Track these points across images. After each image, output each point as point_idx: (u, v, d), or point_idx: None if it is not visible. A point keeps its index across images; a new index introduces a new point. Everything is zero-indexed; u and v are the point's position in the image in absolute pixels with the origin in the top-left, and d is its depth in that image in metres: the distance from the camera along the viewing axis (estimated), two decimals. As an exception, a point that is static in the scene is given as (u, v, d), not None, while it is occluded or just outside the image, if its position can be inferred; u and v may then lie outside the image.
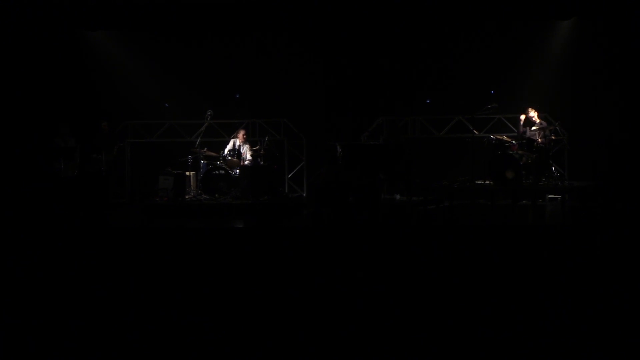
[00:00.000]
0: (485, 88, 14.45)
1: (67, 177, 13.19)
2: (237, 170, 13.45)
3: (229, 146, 13.89)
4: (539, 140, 13.11)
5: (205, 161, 13.74)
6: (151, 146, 15.04)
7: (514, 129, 14.32)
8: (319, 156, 14.53)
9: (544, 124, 13.38)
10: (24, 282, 7.06)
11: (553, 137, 13.37)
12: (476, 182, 13.58)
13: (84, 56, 15.30)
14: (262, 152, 13.58)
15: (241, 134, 14.04)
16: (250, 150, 13.89)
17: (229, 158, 13.57)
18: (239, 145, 13.86)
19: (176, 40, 15.37)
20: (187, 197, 13.30)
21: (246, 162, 13.74)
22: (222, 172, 13.31)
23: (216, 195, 13.13)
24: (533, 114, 13.43)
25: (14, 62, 14.43)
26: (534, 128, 13.35)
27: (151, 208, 12.67)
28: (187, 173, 13.64)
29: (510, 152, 13.07)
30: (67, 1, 13.80)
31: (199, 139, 13.65)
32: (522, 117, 13.57)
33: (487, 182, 13.39)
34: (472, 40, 15.12)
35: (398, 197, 13.25)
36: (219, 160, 13.57)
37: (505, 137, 13.45)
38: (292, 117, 14.89)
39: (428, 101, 14.88)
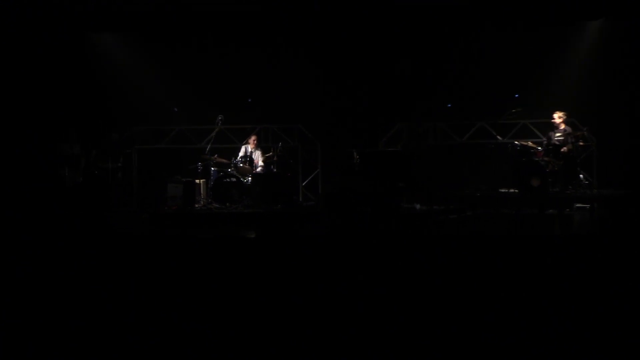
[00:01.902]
0: (509, 92, 14.36)
1: (71, 185, 13.32)
2: (249, 178, 13.36)
3: (241, 153, 13.85)
4: (565, 148, 13.04)
5: (215, 168, 13.64)
6: (160, 153, 15.05)
7: (540, 134, 14.29)
8: (334, 163, 14.47)
9: (569, 129, 13.34)
10: (24, 283, 7.09)
11: (581, 143, 13.31)
12: (500, 190, 13.62)
13: (92, 60, 15.45)
14: (275, 158, 13.52)
15: (253, 140, 14.00)
16: (263, 156, 13.85)
17: (241, 165, 13.48)
18: (251, 152, 13.83)
19: (186, 43, 15.47)
20: (197, 205, 13.30)
21: (258, 170, 13.71)
22: (234, 179, 13.23)
23: (227, 203, 13.05)
24: (558, 119, 13.36)
25: (20, 64, 14.53)
26: (557, 134, 13.34)
27: (160, 217, 12.62)
28: (197, 181, 13.64)
29: (536, 159, 12.98)
30: (77, 3, 13.98)
31: (209, 145, 13.61)
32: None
33: (512, 190, 13.34)
34: (496, 42, 14.98)
35: (418, 206, 13.06)
36: (230, 168, 13.48)
37: (530, 143, 13.39)
38: (307, 123, 14.91)
39: (449, 105, 14.81)
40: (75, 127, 13.94)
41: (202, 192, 13.70)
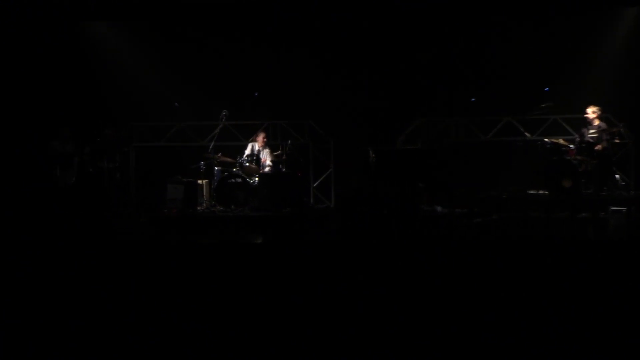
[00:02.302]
0: (538, 85, 13.87)
1: (63, 186, 13.15)
2: (256, 178, 13.23)
3: (247, 151, 13.70)
4: (599, 146, 12.86)
5: (219, 168, 13.56)
6: (159, 151, 14.81)
7: (572, 131, 14.02)
8: (348, 162, 14.23)
9: (603, 125, 13.11)
10: (23, 284, 7.35)
11: (617, 141, 13.23)
12: (529, 192, 13.44)
13: (86, 51, 15.29)
14: (284, 157, 13.40)
15: (261, 137, 13.85)
16: (271, 155, 13.72)
17: (247, 164, 13.33)
18: (258, 150, 13.68)
19: (187, 34, 15.24)
20: (199, 208, 13.15)
21: (266, 169, 13.57)
22: (239, 180, 13.13)
23: (232, 206, 12.96)
24: (591, 114, 13.15)
25: (13, 57, 14.54)
26: (591, 131, 13.12)
27: (159, 220, 12.55)
28: (200, 181, 13.47)
29: (568, 158, 12.83)
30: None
31: (212, 143, 13.54)
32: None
33: (541, 192, 13.18)
34: (523, 30, 14.68)
35: (439, 209, 12.85)
36: (235, 167, 13.37)
37: (562, 141, 13.19)
38: (318, 119, 14.61)
39: (473, 100, 14.30)
40: (68, 123, 13.69)
41: (204, 193, 13.55)
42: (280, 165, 13.50)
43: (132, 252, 9.14)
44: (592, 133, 13.06)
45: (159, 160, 14.74)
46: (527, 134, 14.31)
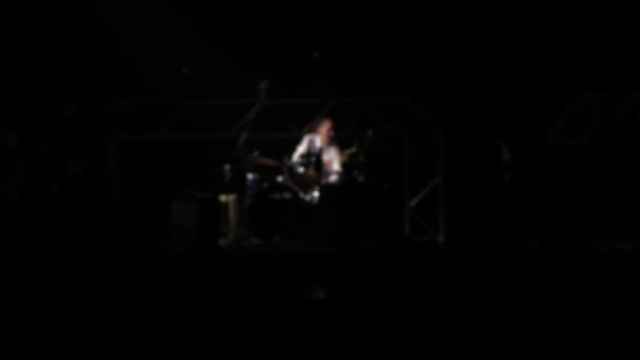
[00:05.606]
0: None
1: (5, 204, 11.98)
2: (316, 193, 12.67)
3: (302, 148, 13.27)
4: None
5: (255, 175, 12.92)
6: (158, 147, 14.43)
7: None
8: (467, 166, 13.86)
9: None
10: None
11: None
12: None
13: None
14: (361, 158, 12.78)
15: (325, 126, 13.33)
16: (341, 155, 13.23)
17: (301, 170, 12.82)
18: (320, 147, 13.26)
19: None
20: (222, 241, 12.25)
21: (332, 178, 13.09)
22: (288, 195, 12.57)
23: (276, 238, 12.36)
24: None
25: None
26: None
27: (157, 262, 11.56)
28: (224, 197, 12.62)
29: None
30: None
31: (244, 135, 12.72)
32: None
33: None
34: None
35: (628, 246, 12.24)
36: (281, 174, 12.80)
37: None
38: (419, 95, 14.07)
39: None
40: (7, 100, 12.51)
41: (231, 216, 12.69)
42: (356, 172, 12.92)
43: (115, 317, 8.94)
44: None
45: (157, 162, 14.47)
46: None
